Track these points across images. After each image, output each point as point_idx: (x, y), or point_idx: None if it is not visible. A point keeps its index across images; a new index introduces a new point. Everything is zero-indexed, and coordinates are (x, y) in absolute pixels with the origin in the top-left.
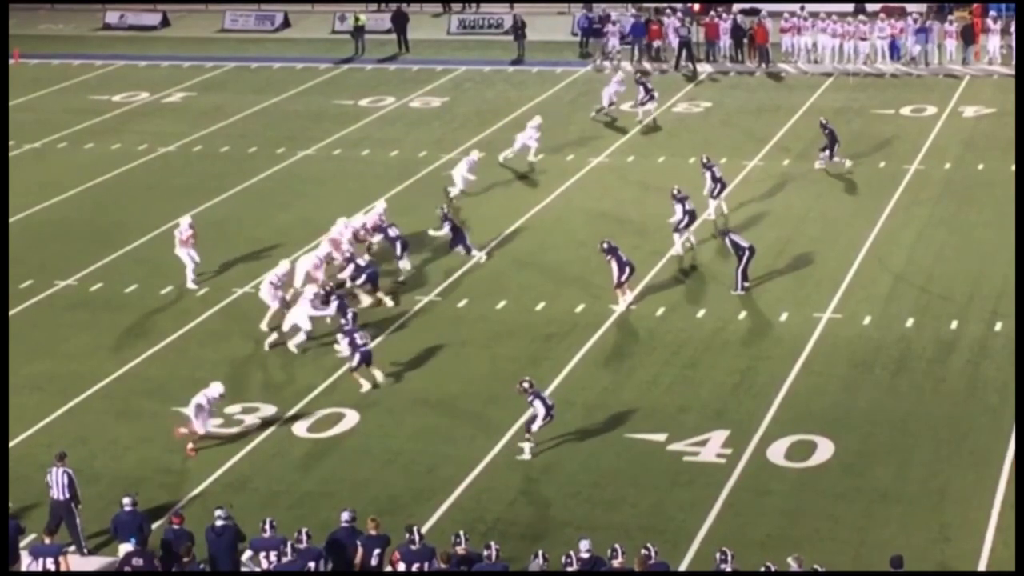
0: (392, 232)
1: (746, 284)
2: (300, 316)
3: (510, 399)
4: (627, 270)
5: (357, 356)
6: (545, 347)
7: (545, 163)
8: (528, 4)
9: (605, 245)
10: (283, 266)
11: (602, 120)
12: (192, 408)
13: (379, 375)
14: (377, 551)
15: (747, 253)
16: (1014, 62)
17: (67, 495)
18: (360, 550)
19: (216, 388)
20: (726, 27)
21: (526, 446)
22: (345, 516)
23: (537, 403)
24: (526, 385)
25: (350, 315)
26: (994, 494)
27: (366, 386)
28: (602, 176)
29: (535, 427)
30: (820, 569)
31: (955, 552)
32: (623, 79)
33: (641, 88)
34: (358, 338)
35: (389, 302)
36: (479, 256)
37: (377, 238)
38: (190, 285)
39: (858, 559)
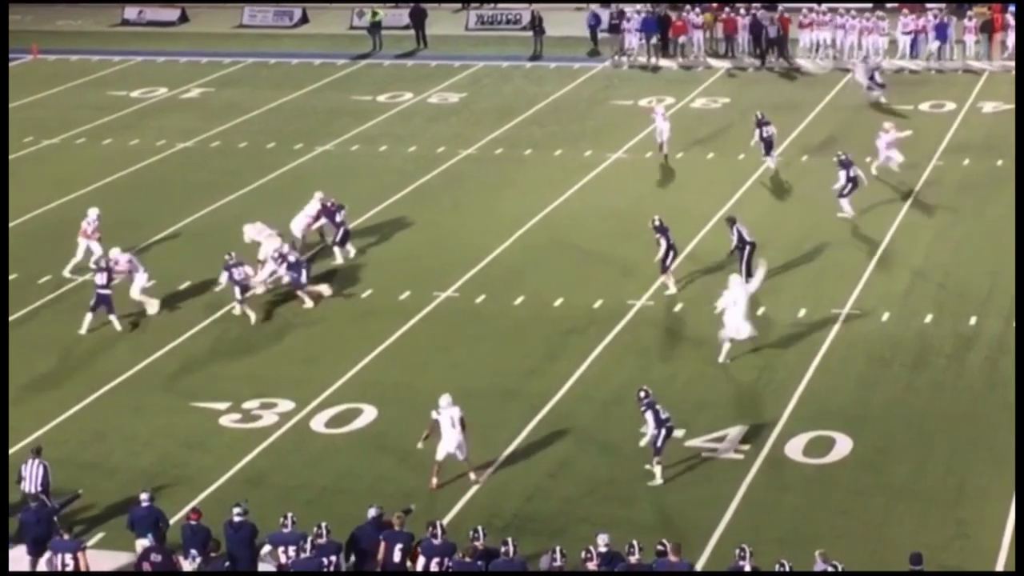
0: (339, 217)
1: (749, 277)
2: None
3: (527, 394)
4: (672, 254)
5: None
6: (563, 342)
7: (563, 159)
8: (546, 0)
9: (657, 222)
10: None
11: (618, 115)
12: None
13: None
14: (400, 547)
15: (748, 248)
16: None
17: (40, 487)
18: (383, 545)
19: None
20: (744, 22)
21: (656, 470)
22: (372, 512)
23: (649, 415)
24: (642, 394)
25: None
26: (1012, 491)
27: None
28: (620, 172)
29: (658, 444)
30: (839, 567)
31: (973, 549)
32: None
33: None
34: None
35: (327, 291)
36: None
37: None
38: (66, 274)
39: (876, 556)
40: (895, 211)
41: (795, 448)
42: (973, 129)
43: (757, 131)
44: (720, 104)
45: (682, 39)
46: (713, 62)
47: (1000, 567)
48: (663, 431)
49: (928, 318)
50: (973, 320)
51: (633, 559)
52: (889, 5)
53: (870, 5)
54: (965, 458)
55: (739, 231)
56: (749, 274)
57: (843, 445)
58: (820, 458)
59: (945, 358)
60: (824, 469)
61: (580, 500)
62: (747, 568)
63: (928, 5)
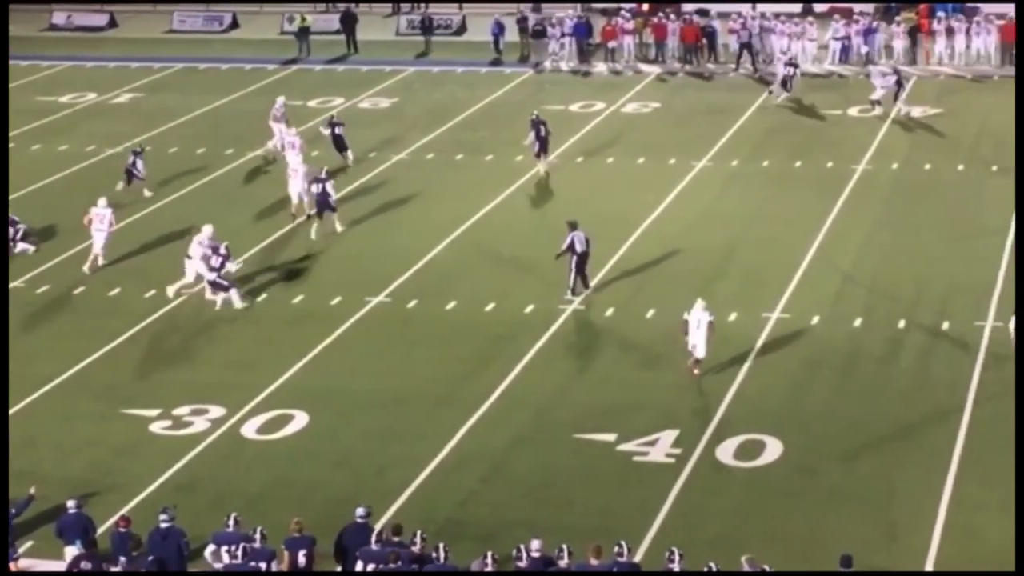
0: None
1: (576, 287)
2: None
3: (460, 399)
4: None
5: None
6: (495, 347)
7: (494, 164)
8: (476, 4)
9: (534, 116)
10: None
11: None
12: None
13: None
14: (303, 552)
15: (576, 258)
16: (958, 62)
17: None
18: (286, 553)
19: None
20: (674, 28)
21: None
22: (360, 512)
23: None
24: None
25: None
26: (942, 493)
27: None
28: (551, 177)
29: None
30: (768, 569)
31: (903, 551)
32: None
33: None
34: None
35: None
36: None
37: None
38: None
39: (807, 558)
40: (825, 215)
41: (727, 452)
42: (901, 134)
43: (532, 132)
44: (651, 109)
45: (612, 44)
46: (643, 67)
47: (929, 568)
48: None
49: (858, 322)
50: (902, 323)
51: (563, 563)
52: (818, 10)
53: (799, 9)
54: (895, 460)
55: (573, 238)
56: (583, 283)
57: (774, 448)
58: (751, 461)
59: (875, 361)
60: (756, 472)
61: (513, 504)
62: (676, 569)
63: (857, 10)
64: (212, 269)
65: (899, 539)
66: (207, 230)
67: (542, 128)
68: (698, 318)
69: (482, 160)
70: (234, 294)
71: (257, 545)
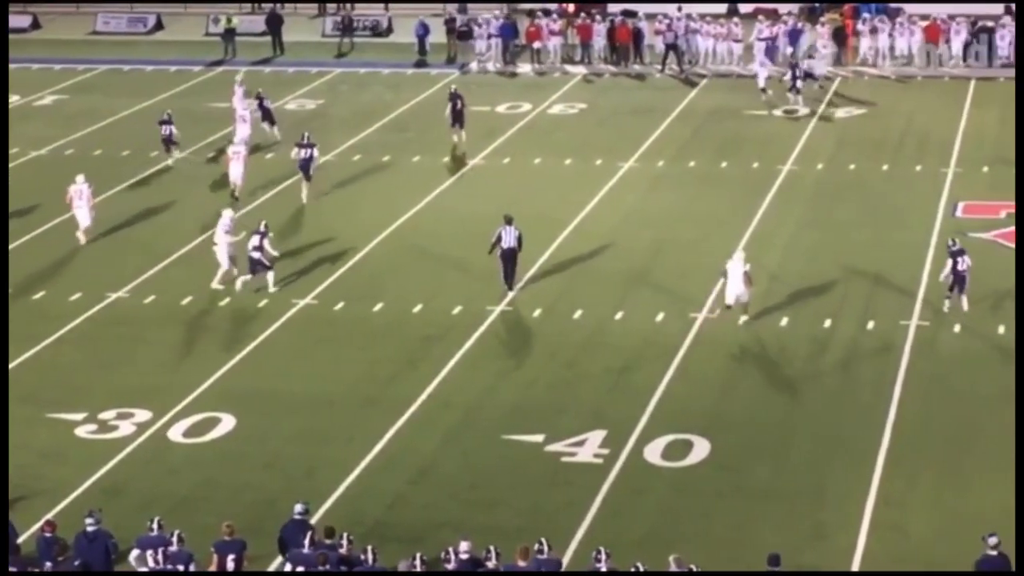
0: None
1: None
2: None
3: (387, 401)
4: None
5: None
6: (423, 349)
7: (421, 165)
8: (403, 5)
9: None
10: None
11: (475, 121)
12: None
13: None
14: (232, 556)
15: (504, 252)
16: (881, 63)
17: None
18: (216, 556)
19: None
20: (600, 28)
21: None
22: (298, 508)
23: None
24: None
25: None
26: (868, 491)
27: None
28: (478, 177)
29: None
30: (695, 569)
31: (831, 549)
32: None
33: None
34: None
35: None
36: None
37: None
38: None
39: (735, 558)
40: (751, 215)
41: (654, 452)
42: (826, 134)
43: (449, 104)
44: (577, 110)
45: (537, 45)
46: (569, 68)
47: (856, 567)
48: None
49: (784, 321)
50: (828, 323)
51: (491, 564)
52: (744, 11)
53: (724, 9)
54: (822, 459)
55: (502, 233)
56: (509, 280)
57: (701, 448)
58: (679, 461)
59: (801, 361)
60: (683, 472)
61: (441, 506)
62: (603, 569)
63: (781, 11)
64: (255, 248)
65: (826, 537)
66: (227, 214)
67: (458, 102)
68: (734, 269)
69: (409, 161)
70: (270, 276)
71: (175, 548)
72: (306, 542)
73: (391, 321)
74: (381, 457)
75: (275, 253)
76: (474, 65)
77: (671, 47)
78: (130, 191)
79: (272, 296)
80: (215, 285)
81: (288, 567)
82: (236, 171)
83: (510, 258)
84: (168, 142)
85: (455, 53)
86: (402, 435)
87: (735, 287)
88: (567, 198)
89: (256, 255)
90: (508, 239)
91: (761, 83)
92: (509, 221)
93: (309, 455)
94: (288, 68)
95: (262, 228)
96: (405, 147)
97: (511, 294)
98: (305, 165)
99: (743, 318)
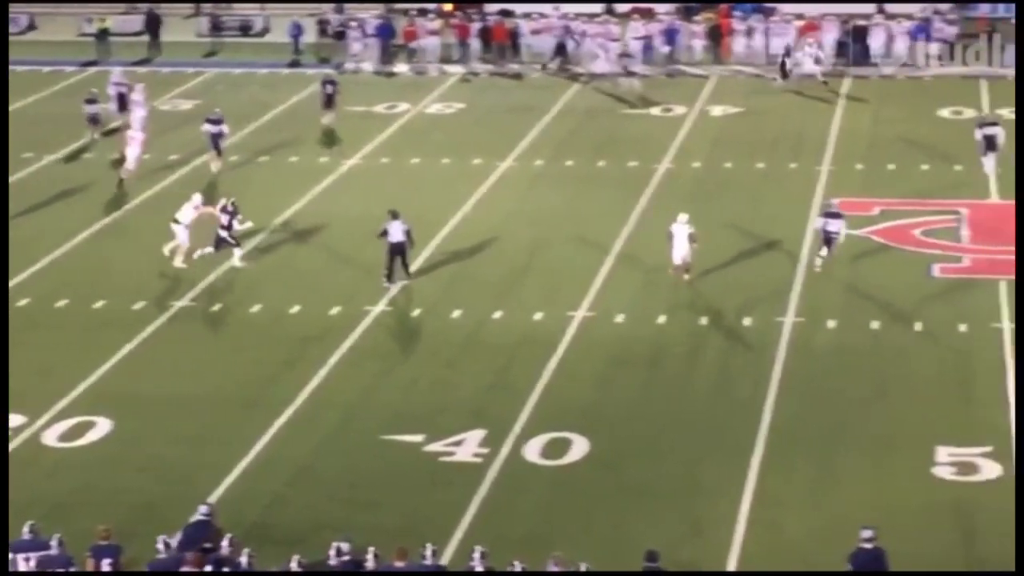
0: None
1: (389, 277)
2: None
3: (266, 402)
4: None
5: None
6: (301, 350)
7: (298, 165)
8: (279, 5)
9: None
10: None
11: (352, 121)
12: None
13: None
14: (108, 560)
15: (392, 246)
16: (757, 61)
17: None
18: (91, 560)
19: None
20: (476, 28)
21: None
22: (202, 509)
23: None
24: None
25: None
26: (744, 488)
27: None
28: (356, 177)
29: None
30: (585, 567)
31: (707, 545)
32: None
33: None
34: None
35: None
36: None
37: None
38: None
39: (614, 555)
40: (628, 214)
41: (533, 450)
42: (702, 132)
43: (321, 88)
44: (455, 109)
45: (414, 45)
46: (447, 68)
47: (733, 562)
48: None
49: (662, 319)
50: (704, 320)
51: (370, 565)
52: (620, 10)
53: (600, 9)
54: (699, 456)
55: (387, 227)
56: (404, 271)
57: (580, 446)
58: (558, 459)
59: (679, 358)
60: (562, 470)
61: (321, 507)
62: (479, 569)
63: (657, 10)
64: (223, 227)
65: (703, 533)
66: (196, 197)
67: (329, 86)
68: (679, 231)
69: (285, 162)
70: (238, 253)
71: (54, 552)
72: (224, 543)
73: (269, 322)
74: (259, 459)
75: (248, 225)
76: (349, 65)
77: (561, 47)
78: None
79: (149, 298)
80: (178, 264)
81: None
82: (133, 153)
83: (398, 252)
84: (94, 121)
85: (328, 53)
86: (281, 436)
87: (680, 248)
88: (445, 198)
89: (223, 233)
90: (395, 234)
91: (626, 84)
92: (395, 216)
93: (187, 458)
94: (163, 68)
95: (230, 207)
96: (282, 147)
97: (393, 287)
98: (215, 140)
99: (685, 276)
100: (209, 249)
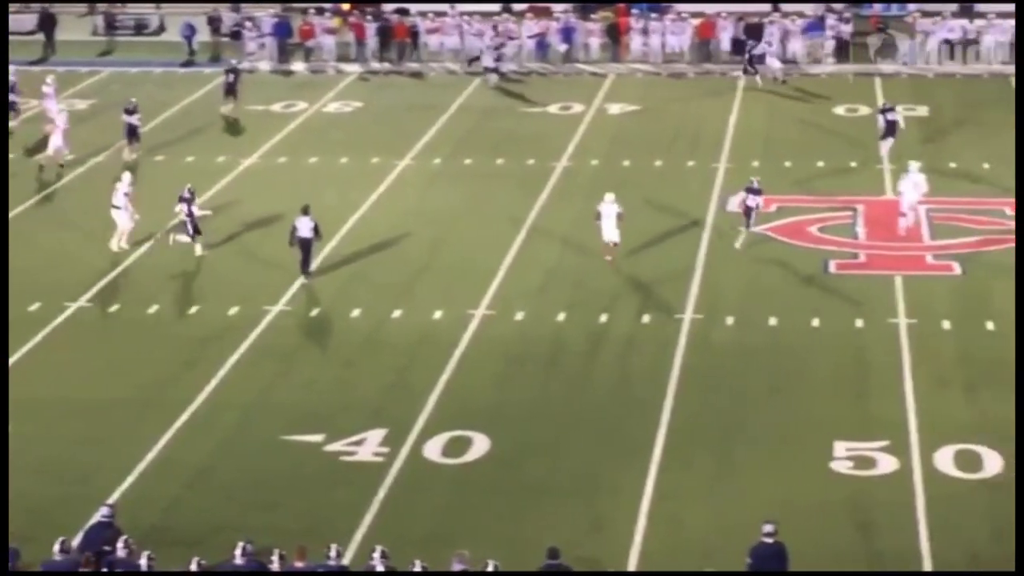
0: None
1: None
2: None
3: (164, 403)
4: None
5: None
6: (200, 350)
7: (195, 165)
8: (174, 4)
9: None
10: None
11: (250, 120)
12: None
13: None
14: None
15: (301, 242)
16: (654, 60)
17: None
18: None
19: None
20: (372, 27)
21: None
22: (104, 511)
23: None
24: None
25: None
26: (644, 484)
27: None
28: (253, 177)
29: None
30: (491, 566)
31: (608, 542)
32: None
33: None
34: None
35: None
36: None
37: None
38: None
39: (515, 553)
40: (527, 211)
41: (434, 449)
42: (601, 130)
43: (224, 77)
44: (353, 108)
45: (311, 43)
46: (344, 66)
47: (634, 559)
48: None
49: (561, 316)
50: (604, 318)
51: (273, 566)
52: (516, 8)
53: (498, 8)
54: (599, 453)
55: (295, 223)
56: (306, 269)
57: (481, 444)
58: (459, 458)
59: (578, 356)
60: (463, 469)
61: (220, 508)
62: (380, 568)
63: (554, 8)
64: (188, 214)
65: (604, 530)
66: (126, 177)
67: (231, 75)
68: (607, 210)
69: (182, 161)
70: (199, 241)
71: None
72: (119, 545)
73: (167, 322)
74: (158, 461)
75: (207, 212)
76: (245, 64)
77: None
78: None
79: (44, 300)
80: (122, 246)
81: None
82: (54, 142)
83: (306, 247)
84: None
85: (220, 52)
86: (179, 438)
87: (609, 228)
88: (344, 197)
89: (190, 219)
90: (303, 229)
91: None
92: (305, 211)
93: (84, 460)
94: (58, 67)
95: (187, 194)
96: (178, 147)
97: (305, 281)
98: (132, 130)
99: (608, 258)
100: (184, 237)
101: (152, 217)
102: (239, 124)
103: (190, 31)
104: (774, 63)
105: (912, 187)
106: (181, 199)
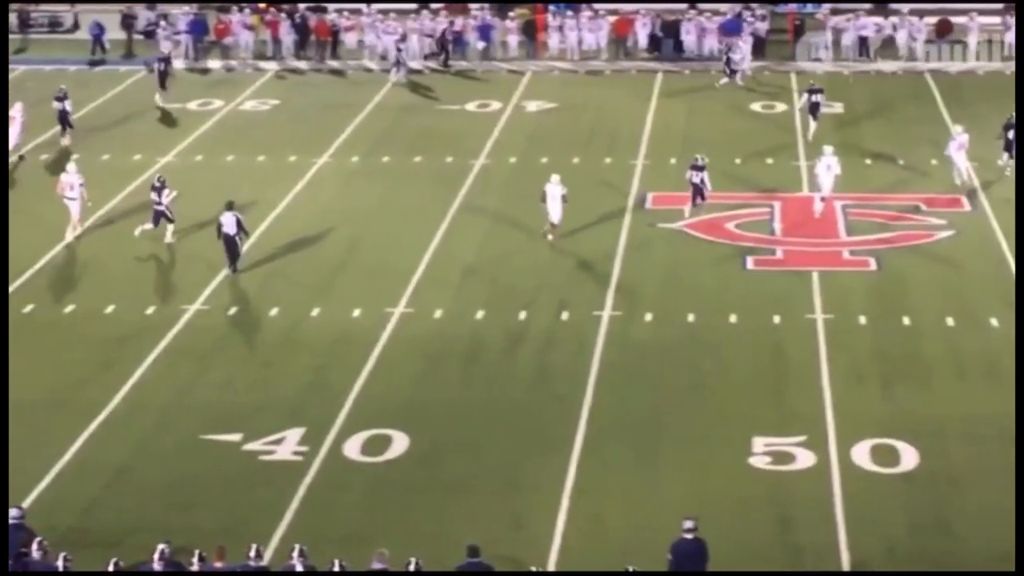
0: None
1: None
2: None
3: (80, 404)
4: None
5: None
6: (117, 350)
7: (111, 163)
8: (88, 3)
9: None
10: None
11: (166, 119)
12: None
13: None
14: None
15: (225, 238)
16: (571, 57)
17: None
18: None
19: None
20: (287, 27)
21: None
22: (13, 513)
23: None
24: None
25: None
26: (564, 481)
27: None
28: (170, 176)
29: None
30: (419, 563)
31: (528, 539)
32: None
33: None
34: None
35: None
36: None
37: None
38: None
39: (436, 551)
40: (446, 209)
41: (353, 448)
42: (518, 128)
43: (155, 68)
44: (270, 106)
45: (227, 41)
46: (261, 64)
47: (554, 556)
48: None
49: (480, 314)
50: (522, 315)
51: (193, 567)
52: (434, 6)
53: (415, 7)
54: (517, 451)
55: (220, 220)
56: (231, 265)
57: (400, 443)
58: (378, 456)
59: (497, 353)
60: (382, 467)
61: (138, 509)
62: (299, 568)
63: (471, 7)
64: (156, 203)
65: (524, 527)
66: (72, 167)
67: (163, 64)
68: (552, 191)
69: (98, 160)
70: (170, 228)
71: None
72: (34, 547)
73: (83, 322)
74: (75, 462)
75: (173, 194)
76: (154, 63)
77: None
78: None
79: None
80: (69, 236)
81: None
82: (13, 132)
83: (230, 244)
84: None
85: (132, 50)
86: (96, 439)
87: (555, 208)
88: (261, 195)
89: (159, 208)
90: (228, 225)
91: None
92: (230, 207)
93: None
94: None
95: (157, 183)
96: (95, 145)
97: (232, 276)
98: (63, 116)
99: (549, 237)
100: (149, 225)
101: (67, 220)
102: (157, 122)
103: (99, 30)
104: (743, 63)
105: (825, 170)
106: (152, 188)
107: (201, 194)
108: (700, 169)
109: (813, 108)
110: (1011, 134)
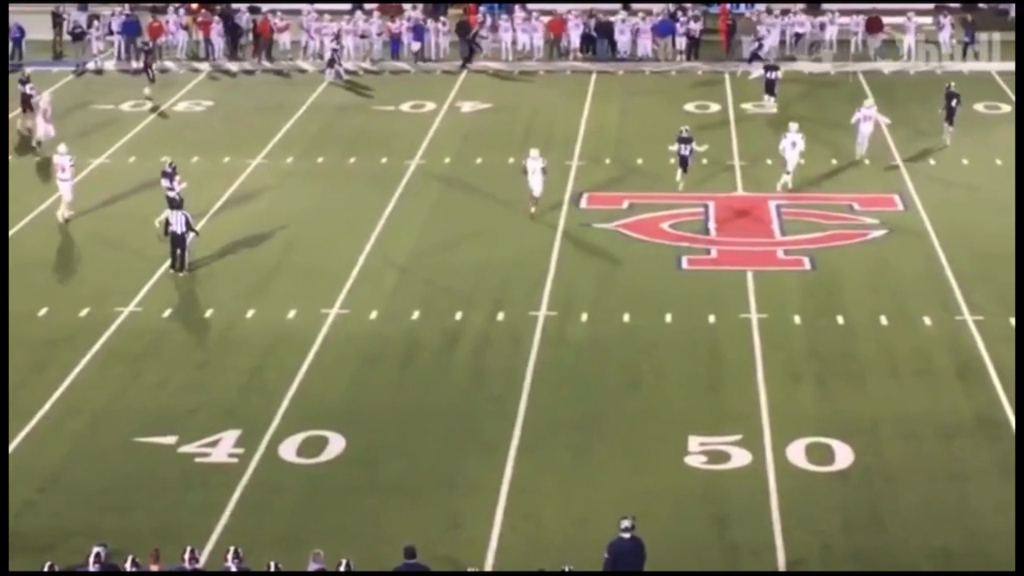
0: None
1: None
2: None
3: (12, 409)
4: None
5: None
6: (49, 353)
7: (43, 165)
8: (23, 4)
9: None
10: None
11: (99, 119)
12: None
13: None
14: None
15: (174, 236)
16: (505, 57)
17: None
18: None
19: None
20: (219, 28)
21: None
22: None
23: None
24: None
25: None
26: (501, 480)
27: None
28: (103, 177)
29: None
30: (348, 563)
31: (465, 539)
32: None
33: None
34: None
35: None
36: None
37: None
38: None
39: (373, 552)
40: (381, 210)
41: (289, 449)
42: (453, 128)
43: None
44: (203, 107)
45: (161, 40)
46: (195, 64)
47: (491, 555)
48: None
49: (416, 315)
50: (459, 315)
51: (128, 570)
52: (368, 7)
53: (348, 7)
54: (454, 451)
55: (170, 218)
56: (180, 264)
57: (336, 444)
58: (314, 458)
59: (433, 353)
60: (318, 469)
61: (72, 513)
62: (234, 570)
63: (405, 7)
64: (168, 188)
65: (461, 528)
66: (62, 147)
67: (143, 55)
68: (532, 165)
69: (33, 160)
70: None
71: None
72: None
73: (16, 326)
74: (8, 466)
75: (183, 185)
76: (92, 64)
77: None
78: None
79: None
80: (67, 216)
81: None
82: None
83: (177, 242)
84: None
85: (61, 51)
86: (29, 442)
87: (536, 182)
88: (195, 196)
89: (171, 194)
90: (176, 223)
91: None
92: (179, 206)
93: None
94: None
95: (168, 168)
96: (28, 147)
97: (181, 273)
98: (26, 99)
99: (532, 210)
100: (165, 217)
101: (12, 215)
102: (93, 124)
103: (19, 32)
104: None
105: (791, 146)
106: (163, 174)
107: (134, 197)
108: (687, 141)
109: (769, 86)
110: (954, 102)
